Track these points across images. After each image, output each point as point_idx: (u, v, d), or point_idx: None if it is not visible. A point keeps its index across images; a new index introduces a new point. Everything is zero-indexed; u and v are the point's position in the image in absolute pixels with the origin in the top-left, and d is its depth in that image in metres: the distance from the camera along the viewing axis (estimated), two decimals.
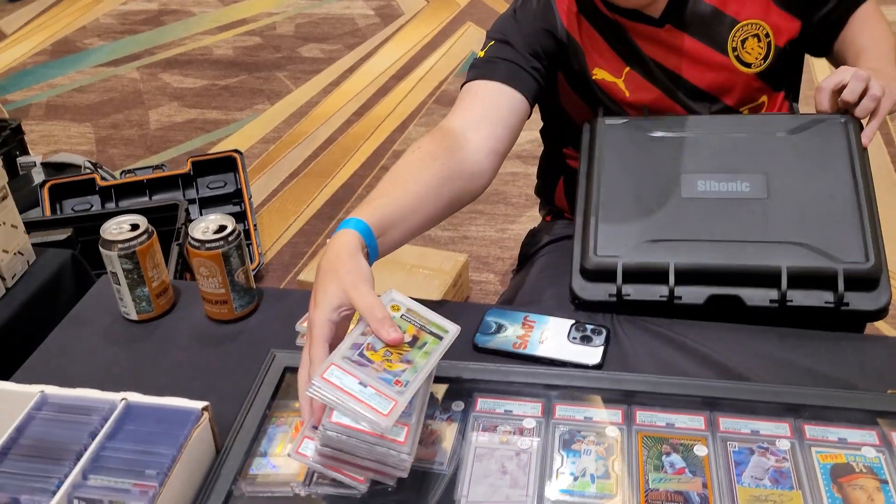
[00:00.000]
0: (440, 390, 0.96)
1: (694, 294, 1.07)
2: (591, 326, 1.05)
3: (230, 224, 1.07)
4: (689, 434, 0.89)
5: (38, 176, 2.45)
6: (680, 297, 1.06)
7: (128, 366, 1.06)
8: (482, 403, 0.94)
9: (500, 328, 1.06)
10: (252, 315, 1.12)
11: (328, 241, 0.93)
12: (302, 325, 1.05)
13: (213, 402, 0.86)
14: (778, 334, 1.05)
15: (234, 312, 1.10)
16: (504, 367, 0.98)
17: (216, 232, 1.06)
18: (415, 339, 0.86)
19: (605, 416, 0.92)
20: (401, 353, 0.83)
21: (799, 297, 1.04)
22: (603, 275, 1.08)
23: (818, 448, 0.87)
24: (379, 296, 0.86)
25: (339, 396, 0.78)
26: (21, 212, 1.24)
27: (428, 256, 2.28)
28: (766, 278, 1.05)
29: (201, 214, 2.40)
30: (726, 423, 0.90)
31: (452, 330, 0.87)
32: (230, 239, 1.05)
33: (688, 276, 1.07)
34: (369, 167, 2.96)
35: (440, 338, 0.86)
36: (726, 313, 1.07)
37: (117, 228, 1.08)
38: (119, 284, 1.08)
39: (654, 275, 1.07)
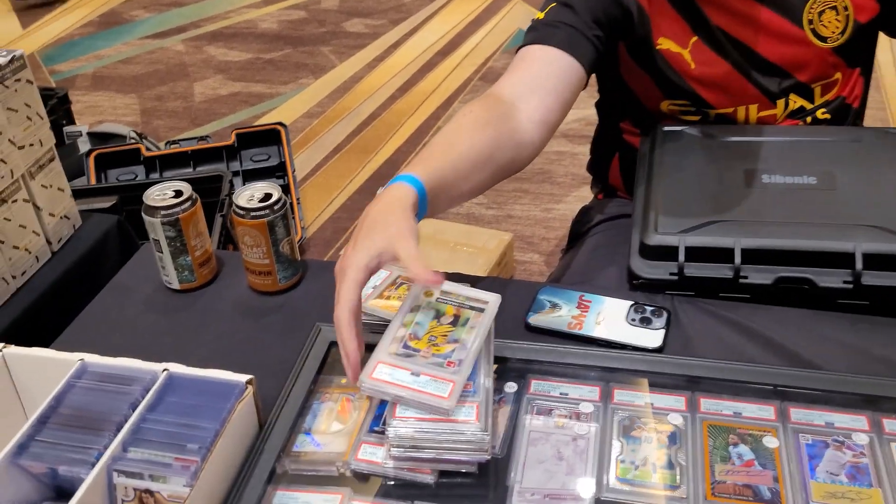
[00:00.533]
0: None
1: (761, 275, 1.01)
2: (652, 308, 0.99)
3: (276, 192, 1.03)
4: (757, 424, 0.83)
5: (83, 145, 2.44)
6: (746, 277, 1.00)
7: (169, 336, 1.03)
8: (536, 385, 0.90)
9: (553, 307, 1.01)
10: (296, 287, 1.08)
11: (380, 190, 0.89)
12: None
13: (256, 375, 0.83)
14: (850, 321, 0.98)
15: (278, 284, 1.06)
16: (560, 348, 0.93)
17: (262, 200, 1.02)
18: (456, 317, 0.82)
19: (668, 403, 0.87)
20: (445, 335, 0.79)
21: (873, 279, 0.98)
22: (664, 253, 1.03)
23: None
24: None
25: (394, 392, 0.74)
26: (67, 180, 1.22)
27: (472, 234, 2.23)
28: (838, 259, 0.99)
29: None
30: (798, 413, 0.84)
31: (493, 299, 0.83)
32: (276, 208, 1.02)
33: (755, 255, 1.01)
34: (413, 143, 2.91)
35: (481, 311, 0.82)
36: (793, 298, 1.01)
37: (161, 195, 1.05)
38: (161, 252, 1.05)
39: (719, 253, 1.01)
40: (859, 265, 0.97)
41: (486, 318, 0.81)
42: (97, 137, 2.54)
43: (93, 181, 2.28)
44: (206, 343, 1.01)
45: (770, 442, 0.82)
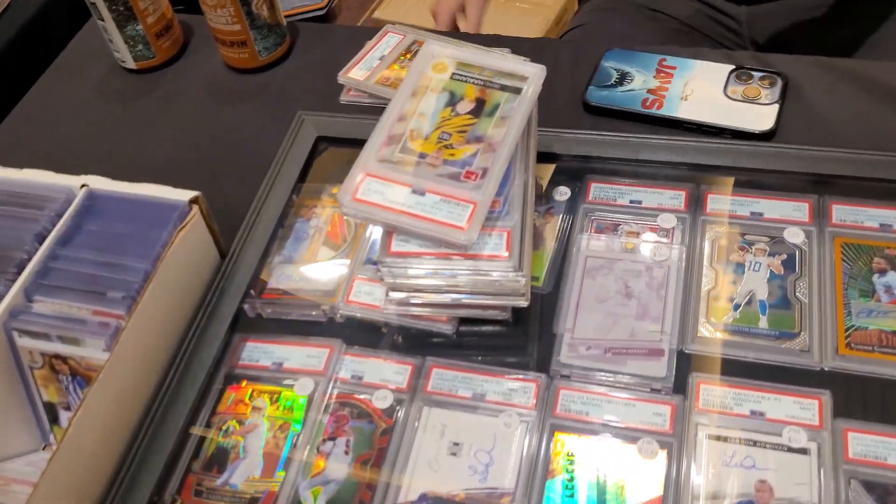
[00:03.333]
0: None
1: None
2: (761, 74, 0.71)
3: None
4: None
5: None
6: None
7: (123, 127, 0.80)
8: (597, 191, 0.65)
9: (623, 78, 0.74)
10: (283, 61, 0.83)
11: None
12: (346, 77, 0.76)
13: (229, 181, 0.60)
14: None
15: (258, 58, 0.81)
16: (630, 138, 0.67)
17: None
18: (480, 102, 0.56)
19: (783, 212, 0.62)
20: (463, 131, 0.54)
21: None
22: None
23: None
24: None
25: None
26: None
27: None
28: None
29: None
30: None
31: (535, 73, 0.57)
32: None
33: None
34: None
35: (517, 91, 0.56)
36: None
37: None
38: (103, 20, 0.80)
39: None
40: None
41: (525, 103, 0.55)
42: None
43: None
44: (170, 138, 0.78)
45: None
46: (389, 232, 0.53)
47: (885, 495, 0.48)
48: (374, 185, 0.54)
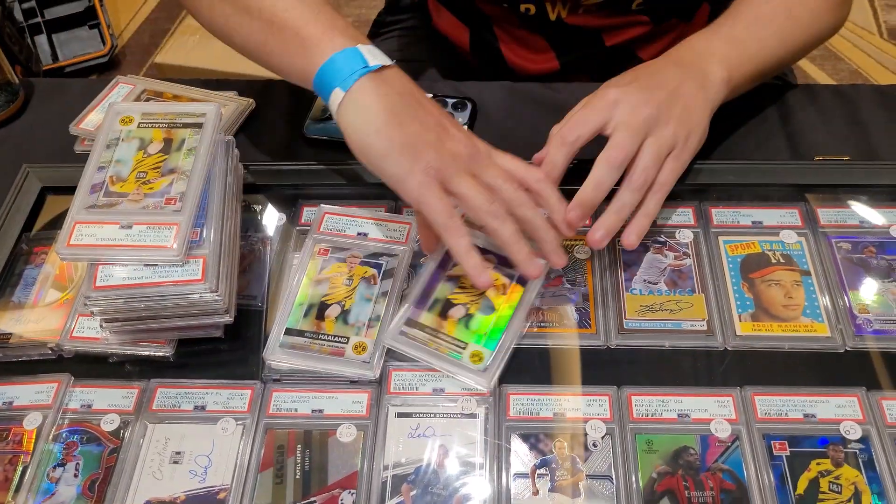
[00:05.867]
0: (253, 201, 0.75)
1: None
2: (453, 100, 0.82)
3: None
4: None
5: None
6: None
7: None
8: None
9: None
10: (18, 118, 0.86)
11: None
12: (78, 128, 0.80)
13: None
14: None
15: None
16: (334, 166, 0.76)
17: None
18: (167, 141, 0.64)
19: None
20: (157, 167, 0.62)
21: None
22: None
23: (727, 237, 0.70)
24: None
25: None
26: None
27: None
28: None
29: None
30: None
31: (210, 110, 0.65)
32: None
33: None
34: None
35: (199, 126, 0.64)
36: None
37: None
38: None
39: None
40: None
41: (206, 133, 0.63)
42: None
43: None
44: None
45: (581, 253, 0.69)
46: (95, 267, 0.58)
47: (536, 443, 0.58)
48: (86, 230, 0.59)
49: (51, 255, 0.70)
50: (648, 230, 0.64)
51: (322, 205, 0.71)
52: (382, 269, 0.66)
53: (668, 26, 0.90)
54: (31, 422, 0.61)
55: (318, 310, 0.65)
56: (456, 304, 0.64)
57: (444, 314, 0.63)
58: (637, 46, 0.90)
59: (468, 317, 0.63)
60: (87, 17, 2.07)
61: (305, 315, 0.64)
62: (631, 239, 0.63)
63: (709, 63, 0.68)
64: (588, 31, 0.88)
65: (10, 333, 0.65)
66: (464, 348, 0.61)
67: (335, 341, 0.63)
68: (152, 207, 0.60)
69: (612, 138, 0.63)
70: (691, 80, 0.67)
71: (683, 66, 0.68)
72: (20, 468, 0.59)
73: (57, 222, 0.73)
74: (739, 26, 0.72)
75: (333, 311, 0.65)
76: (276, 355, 0.62)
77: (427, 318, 0.63)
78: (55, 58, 2.03)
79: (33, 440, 0.60)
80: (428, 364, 0.61)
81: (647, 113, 0.63)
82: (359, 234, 0.69)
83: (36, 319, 0.66)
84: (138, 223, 0.59)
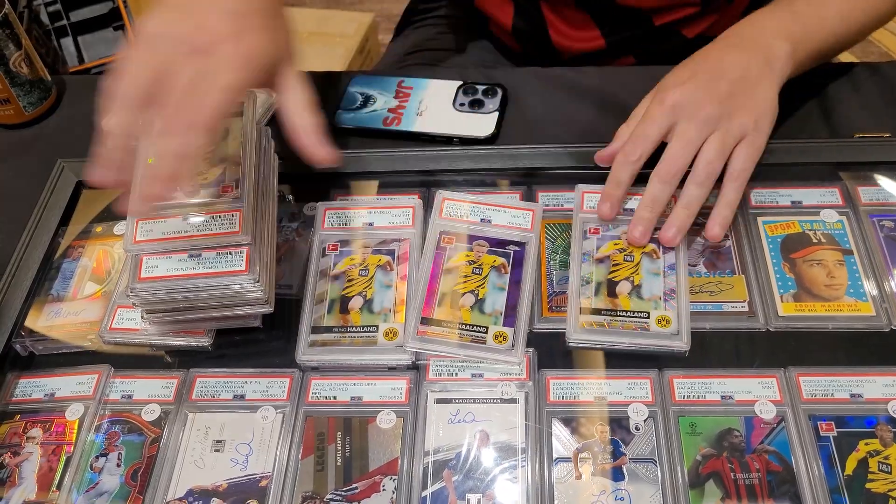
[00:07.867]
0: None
1: None
2: (484, 87, 0.81)
3: None
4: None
5: None
6: None
7: None
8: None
9: (367, 100, 0.82)
10: (51, 114, 0.87)
11: None
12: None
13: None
14: None
15: (23, 113, 0.84)
16: (363, 154, 0.75)
17: None
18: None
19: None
20: (207, 158, 0.61)
21: None
22: None
23: (766, 218, 0.69)
24: None
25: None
26: None
27: (328, 20, 1.97)
28: None
29: None
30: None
31: (249, 98, 0.65)
32: None
33: None
34: None
35: (240, 114, 0.64)
36: None
37: None
38: None
39: None
40: None
41: (248, 120, 0.63)
42: None
43: None
44: None
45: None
46: (139, 259, 0.58)
47: (577, 427, 0.58)
48: (147, 225, 0.59)
49: (88, 249, 0.70)
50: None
51: (440, 191, 0.71)
52: (511, 258, 0.66)
53: (715, 6, 0.89)
54: (73, 412, 0.61)
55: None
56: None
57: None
58: (682, 25, 0.89)
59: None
60: (112, 19, 2.08)
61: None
62: (715, 231, 0.64)
63: (773, 37, 0.68)
64: (638, 11, 0.87)
65: (49, 325, 0.66)
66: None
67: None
68: (210, 197, 0.60)
69: (667, 150, 0.64)
70: (755, 60, 0.66)
71: (745, 47, 0.67)
72: (63, 459, 0.59)
73: (93, 216, 0.73)
74: (800, 4, 0.71)
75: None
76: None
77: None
78: (81, 59, 2.04)
79: (75, 431, 0.60)
80: (455, 355, 0.61)
81: (708, 112, 0.63)
82: (482, 220, 0.69)
83: (75, 312, 0.66)
84: (200, 213, 0.59)
